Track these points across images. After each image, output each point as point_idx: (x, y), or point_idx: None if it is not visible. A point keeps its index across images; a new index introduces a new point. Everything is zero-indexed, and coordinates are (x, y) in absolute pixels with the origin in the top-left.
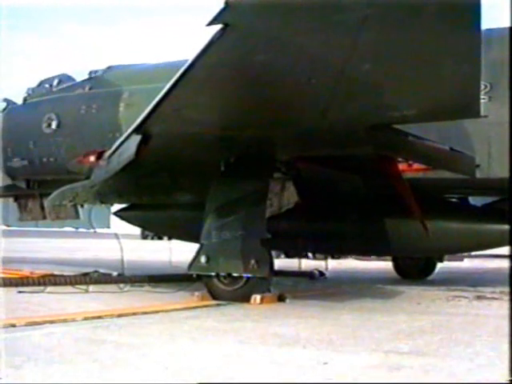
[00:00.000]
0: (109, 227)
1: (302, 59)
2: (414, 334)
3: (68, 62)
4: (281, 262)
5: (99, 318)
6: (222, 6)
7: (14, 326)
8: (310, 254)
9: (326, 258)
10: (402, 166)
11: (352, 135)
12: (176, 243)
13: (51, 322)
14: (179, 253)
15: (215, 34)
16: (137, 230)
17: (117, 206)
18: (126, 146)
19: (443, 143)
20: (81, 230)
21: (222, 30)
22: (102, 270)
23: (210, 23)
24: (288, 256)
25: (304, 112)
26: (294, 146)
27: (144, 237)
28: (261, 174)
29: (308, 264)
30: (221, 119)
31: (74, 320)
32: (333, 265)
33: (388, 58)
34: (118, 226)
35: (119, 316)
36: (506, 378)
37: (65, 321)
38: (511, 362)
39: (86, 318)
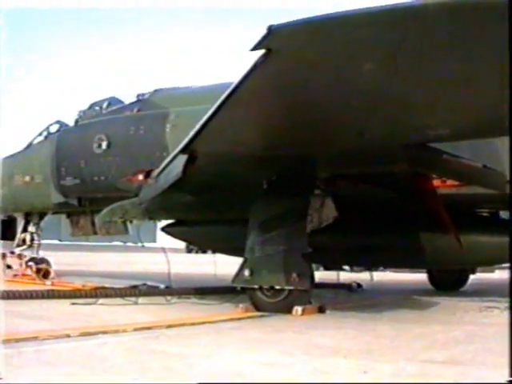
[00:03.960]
0: (155, 241)
1: (341, 81)
2: (449, 344)
3: (119, 82)
4: (320, 275)
5: (149, 328)
6: (265, 32)
7: (68, 336)
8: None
9: (370, 271)
10: (436, 182)
11: (388, 153)
12: (220, 256)
13: (103, 332)
14: (223, 266)
15: (258, 59)
16: (182, 244)
17: (161, 222)
18: (173, 166)
19: (475, 160)
20: (128, 244)
21: (265, 54)
22: (149, 283)
23: (254, 48)
24: (327, 269)
25: (342, 132)
26: (332, 164)
27: (188, 251)
28: (301, 191)
29: (346, 276)
30: (263, 139)
31: (125, 331)
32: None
33: (424, 80)
34: (164, 240)
35: (168, 327)
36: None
37: (116, 331)
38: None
39: (136, 329)
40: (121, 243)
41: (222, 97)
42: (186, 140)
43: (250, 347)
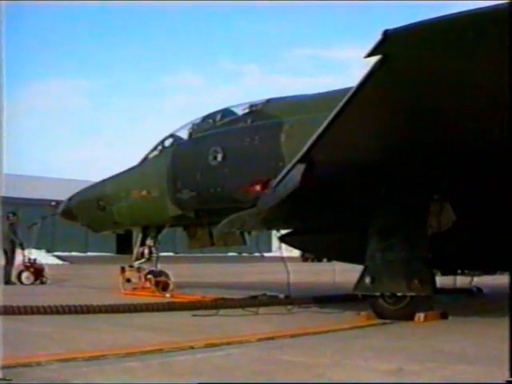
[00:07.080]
0: (270, 251)
1: (460, 84)
2: None
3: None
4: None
5: (272, 339)
6: (381, 38)
7: (192, 347)
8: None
9: (489, 274)
10: None
11: (509, 156)
12: (336, 264)
13: (227, 343)
14: (340, 273)
15: (375, 65)
16: (297, 253)
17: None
18: (291, 175)
19: None
20: (244, 254)
21: (382, 60)
22: (269, 293)
23: (370, 55)
24: (444, 274)
25: (461, 134)
26: (451, 168)
27: (304, 259)
28: (420, 196)
29: (463, 281)
30: (382, 145)
31: (248, 341)
32: (488, 281)
33: None
34: (280, 249)
35: (291, 337)
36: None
37: (240, 342)
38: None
39: (259, 339)
40: (236, 254)
41: (340, 104)
42: (305, 149)
43: (376, 355)
